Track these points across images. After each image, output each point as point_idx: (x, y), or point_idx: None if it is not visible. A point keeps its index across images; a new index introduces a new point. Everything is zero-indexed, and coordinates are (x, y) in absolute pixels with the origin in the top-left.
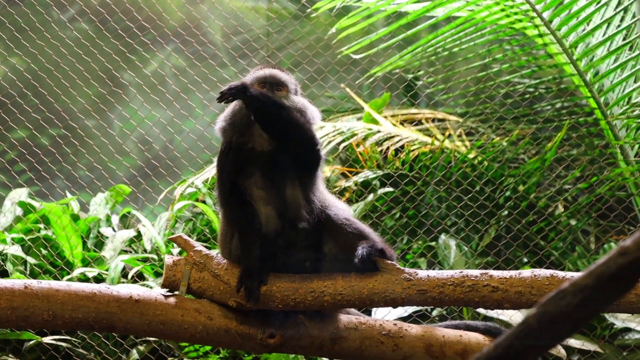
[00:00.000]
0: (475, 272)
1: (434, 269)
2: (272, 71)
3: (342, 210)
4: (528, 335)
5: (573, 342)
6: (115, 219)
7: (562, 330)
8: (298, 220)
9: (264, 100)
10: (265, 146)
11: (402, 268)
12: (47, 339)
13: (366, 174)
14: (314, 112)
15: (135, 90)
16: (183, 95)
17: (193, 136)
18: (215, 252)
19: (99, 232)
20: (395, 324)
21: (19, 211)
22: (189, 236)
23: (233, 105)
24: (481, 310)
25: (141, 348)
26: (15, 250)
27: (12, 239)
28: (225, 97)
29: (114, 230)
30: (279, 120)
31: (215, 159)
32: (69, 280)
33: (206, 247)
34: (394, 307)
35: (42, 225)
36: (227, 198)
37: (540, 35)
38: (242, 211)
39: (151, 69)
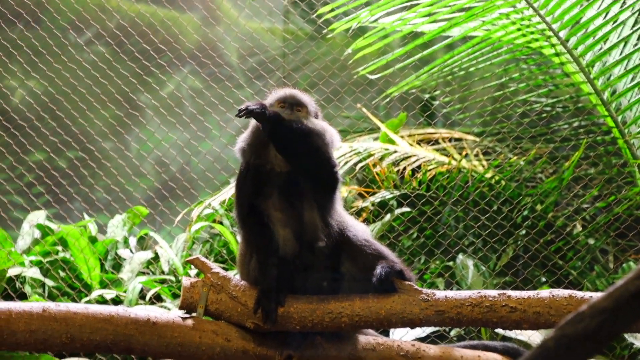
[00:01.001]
0: (493, 293)
1: (451, 289)
2: (292, 91)
3: (361, 231)
4: (546, 358)
5: None
6: (132, 241)
7: (581, 353)
8: (315, 242)
9: (281, 121)
10: (283, 167)
11: (420, 289)
12: None
13: (383, 194)
14: (333, 135)
15: (152, 112)
16: (200, 117)
17: (210, 158)
18: (232, 274)
19: (116, 254)
20: (413, 345)
21: (37, 234)
22: (206, 257)
23: (252, 126)
24: (499, 331)
25: None
26: (34, 272)
27: (31, 261)
28: (244, 113)
29: (131, 252)
30: (295, 142)
31: (232, 180)
32: (87, 302)
33: (223, 268)
34: (412, 327)
35: (60, 248)
36: (245, 219)
37: (557, 54)
38: (260, 233)
39: (168, 91)
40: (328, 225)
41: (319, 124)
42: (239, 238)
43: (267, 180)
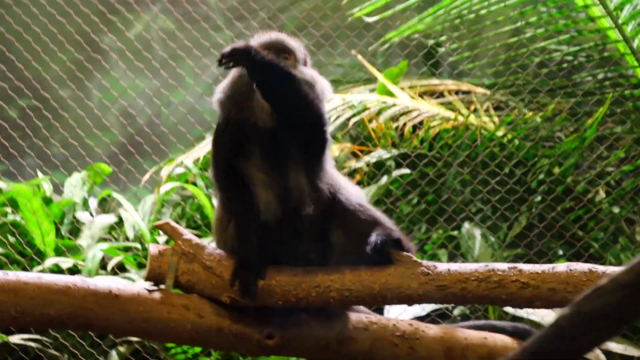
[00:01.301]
0: (503, 266)
1: (455, 262)
2: (278, 35)
3: (354, 194)
4: (560, 338)
5: (614, 346)
6: (93, 203)
7: (599, 333)
8: (302, 207)
9: (273, 66)
10: (268, 123)
11: (420, 260)
12: (15, 338)
13: (379, 154)
14: (324, 86)
15: (116, 57)
16: (171, 63)
17: (183, 109)
18: (207, 241)
19: (74, 217)
20: (411, 324)
21: None
22: (177, 222)
23: (233, 73)
24: (509, 309)
25: (122, 349)
26: None
27: None
28: (227, 60)
29: (91, 215)
30: (287, 92)
31: (209, 136)
32: (40, 271)
33: (197, 235)
34: (410, 304)
35: (9, 209)
36: (222, 180)
37: None
38: (239, 195)
39: (135, 32)
40: (316, 189)
41: (310, 73)
42: (215, 201)
43: (248, 137)
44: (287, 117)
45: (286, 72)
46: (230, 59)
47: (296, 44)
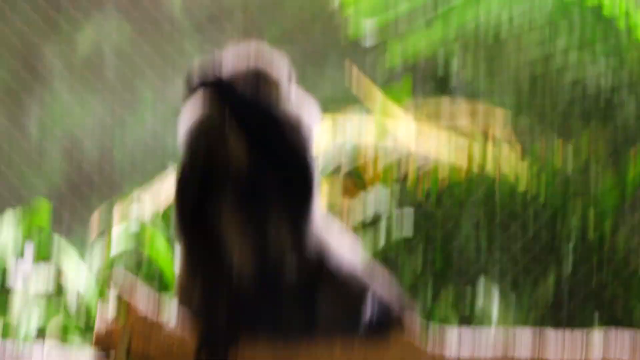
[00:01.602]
0: (527, 331)
1: (468, 326)
2: (259, 63)
3: (347, 256)
4: None
5: None
6: (28, 251)
7: None
8: (284, 264)
9: (241, 102)
10: (243, 161)
11: (426, 334)
12: None
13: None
14: (312, 113)
15: (59, 70)
16: (126, 79)
17: (141, 134)
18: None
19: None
20: None
21: None
22: (137, 271)
23: (202, 97)
24: None
25: None
26: None
27: None
28: (194, 85)
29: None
30: (260, 132)
31: (171, 168)
32: None
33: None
34: None
35: None
36: (186, 228)
37: None
38: (207, 248)
39: (81, 40)
40: (301, 243)
41: (293, 106)
42: (178, 253)
43: (219, 178)
44: (266, 152)
45: (257, 102)
46: (196, 82)
47: (279, 64)
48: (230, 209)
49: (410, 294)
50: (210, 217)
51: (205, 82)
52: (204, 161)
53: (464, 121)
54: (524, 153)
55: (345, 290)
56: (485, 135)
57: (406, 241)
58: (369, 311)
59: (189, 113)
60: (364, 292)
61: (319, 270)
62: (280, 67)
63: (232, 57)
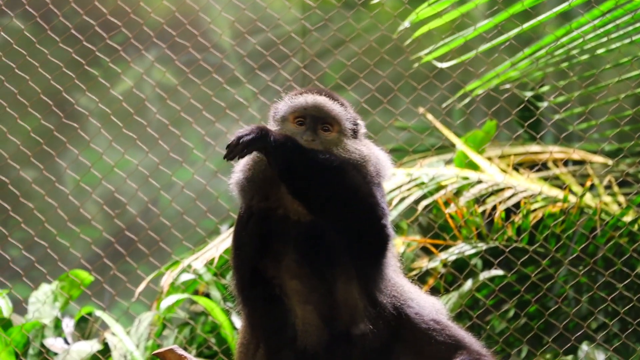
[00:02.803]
0: None
1: None
2: (316, 99)
3: (428, 307)
4: None
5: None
6: (68, 325)
7: None
8: (355, 328)
9: (296, 152)
10: (304, 214)
11: None
12: None
13: (461, 249)
14: (381, 163)
15: (98, 123)
16: (173, 130)
17: (190, 193)
18: None
19: (42, 344)
20: None
21: None
22: (185, 349)
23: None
24: None
25: None
26: None
27: None
28: (235, 151)
29: (66, 342)
30: (320, 182)
31: (226, 229)
32: None
33: None
34: None
35: None
36: (246, 291)
37: None
38: (269, 312)
39: (123, 90)
40: (375, 303)
41: (358, 147)
42: (237, 320)
43: (278, 233)
44: (327, 214)
45: (320, 163)
46: (240, 146)
47: (341, 108)
48: (291, 266)
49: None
50: (271, 278)
51: (248, 140)
52: (260, 216)
53: (557, 170)
54: (628, 205)
55: (428, 341)
56: (583, 185)
57: (494, 283)
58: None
59: (242, 161)
60: (449, 343)
61: (397, 323)
62: (340, 108)
63: (287, 103)
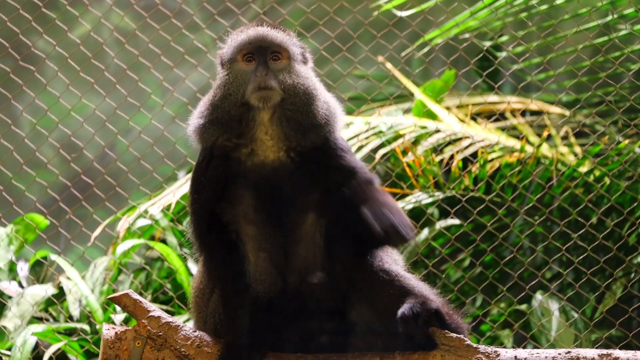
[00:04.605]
0: (592, 353)
1: (525, 347)
2: (259, 30)
3: (384, 256)
4: None
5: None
6: (23, 268)
7: None
8: (309, 278)
9: None
10: (272, 155)
11: (475, 345)
12: None
13: (418, 198)
14: (330, 103)
15: (55, 66)
16: (132, 75)
17: (147, 138)
18: (181, 320)
19: None
20: None
21: None
22: (141, 294)
23: (223, 79)
24: None
25: None
26: None
27: None
28: None
29: (21, 285)
30: None
31: (183, 175)
32: None
33: (168, 311)
34: None
35: None
36: (203, 237)
37: None
38: (227, 258)
39: (81, 33)
40: (334, 254)
41: (310, 74)
42: (193, 265)
43: (239, 175)
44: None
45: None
46: None
47: (287, 37)
48: (249, 211)
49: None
50: (230, 223)
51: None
52: (222, 152)
53: (515, 120)
54: (584, 156)
55: (382, 290)
56: (540, 135)
57: (450, 232)
58: (405, 305)
59: (204, 102)
60: (403, 290)
61: (352, 270)
62: (283, 36)
63: (233, 40)
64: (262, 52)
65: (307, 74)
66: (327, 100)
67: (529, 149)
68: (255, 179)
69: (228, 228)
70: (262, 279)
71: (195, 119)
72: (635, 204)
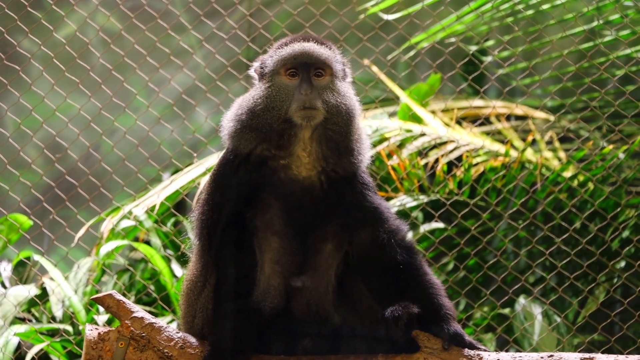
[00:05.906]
0: (574, 357)
1: (507, 351)
2: (305, 46)
3: None
4: None
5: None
6: (6, 268)
7: None
8: (317, 307)
9: None
10: (305, 172)
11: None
12: None
13: (402, 201)
14: (362, 129)
15: (40, 66)
16: (117, 75)
17: (132, 139)
18: (165, 321)
19: None
20: None
21: None
22: (124, 295)
23: (266, 90)
24: None
25: None
26: None
27: None
28: None
29: (3, 286)
30: None
31: (167, 176)
32: None
33: (151, 313)
34: None
35: None
36: (211, 228)
37: None
38: (235, 260)
39: (66, 33)
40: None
41: (349, 90)
42: (177, 267)
43: (273, 186)
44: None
45: None
46: None
47: (330, 51)
48: (275, 222)
49: None
50: (248, 226)
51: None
52: (258, 159)
53: (500, 124)
54: (568, 161)
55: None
56: (524, 140)
57: (434, 235)
58: (389, 309)
59: (240, 105)
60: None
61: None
62: (330, 53)
63: (272, 52)
64: (306, 68)
65: (348, 92)
66: (360, 126)
67: (514, 153)
68: (286, 192)
69: (246, 232)
70: (270, 292)
71: (231, 122)
72: (619, 209)
